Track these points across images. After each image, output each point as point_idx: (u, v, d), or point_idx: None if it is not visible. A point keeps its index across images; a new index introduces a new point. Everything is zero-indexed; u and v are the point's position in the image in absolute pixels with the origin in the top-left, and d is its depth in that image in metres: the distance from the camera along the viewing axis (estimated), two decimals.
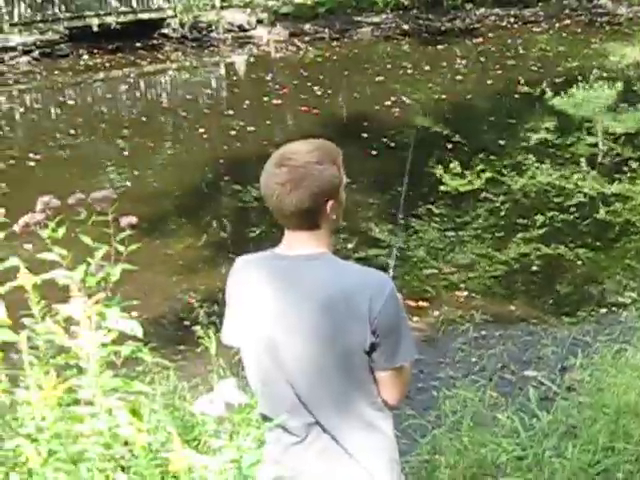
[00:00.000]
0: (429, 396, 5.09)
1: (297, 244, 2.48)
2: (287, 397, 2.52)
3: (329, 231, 2.52)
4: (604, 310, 6.77)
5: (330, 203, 2.44)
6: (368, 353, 2.51)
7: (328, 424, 2.55)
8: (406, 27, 18.22)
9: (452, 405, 4.42)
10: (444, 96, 13.62)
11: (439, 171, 10.00)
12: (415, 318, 6.47)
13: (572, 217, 8.94)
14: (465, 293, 7.18)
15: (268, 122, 12.77)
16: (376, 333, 2.48)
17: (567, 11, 19.73)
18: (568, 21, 19.25)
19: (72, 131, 12.37)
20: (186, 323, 6.10)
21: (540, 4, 19.66)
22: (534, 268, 7.79)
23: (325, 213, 2.45)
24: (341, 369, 2.53)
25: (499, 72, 15.14)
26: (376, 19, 18.47)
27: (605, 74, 14.91)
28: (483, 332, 6.27)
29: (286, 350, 2.51)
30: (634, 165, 10.35)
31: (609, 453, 3.89)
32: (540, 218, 8.82)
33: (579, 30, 18.66)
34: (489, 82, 14.51)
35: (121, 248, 3.08)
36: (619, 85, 14.31)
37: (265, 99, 13.77)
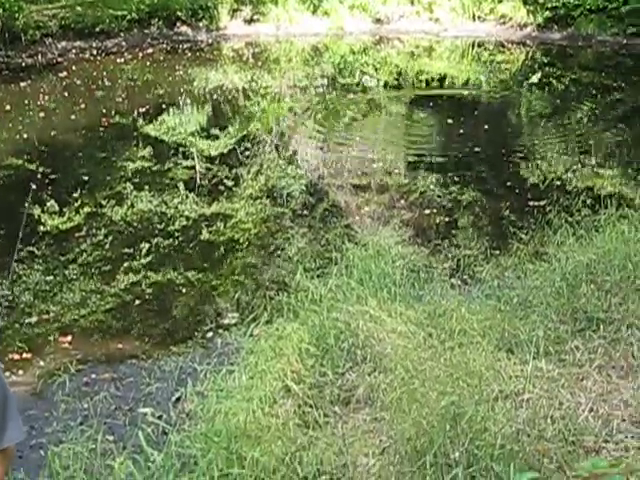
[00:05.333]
0: (41, 454, 4.72)
1: None
2: None
3: None
4: (211, 334, 6.81)
5: None
6: None
7: None
8: None
9: (63, 461, 4.10)
10: (31, 135, 12.99)
11: (36, 211, 9.53)
12: (20, 372, 6.05)
13: (177, 241, 8.96)
14: (70, 338, 6.82)
15: None
16: None
17: (149, 40, 19.89)
18: (151, 50, 19.39)
19: None
20: None
21: (122, 34, 19.65)
22: (146, 297, 7.66)
23: None
24: None
25: (87, 105, 14.83)
26: None
27: (193, 99, 15.28)
28: (93, 375, 6.01)
29: None
30: (230, 184, 10.65)
31: None
32: (146, 246, 8.74)
33: (162, 58, 18.90)
34: (77, 116, 14.11)
35: None
36: (208, 108, 14.75)
37: None
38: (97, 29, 19.31)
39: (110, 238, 9.02)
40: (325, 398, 4.87)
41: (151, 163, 11.54)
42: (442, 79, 17.18)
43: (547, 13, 19.43)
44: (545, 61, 18.37)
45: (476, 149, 11.99)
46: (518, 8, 19.75)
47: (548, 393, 4.70)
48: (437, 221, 9.30)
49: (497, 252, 7.89)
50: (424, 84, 16.85)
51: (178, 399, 5.31)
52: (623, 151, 11.77)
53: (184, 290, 7.79)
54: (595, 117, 13.50)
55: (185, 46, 19.81)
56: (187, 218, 9.57)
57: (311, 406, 4.72)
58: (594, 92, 15.38)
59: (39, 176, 10.79)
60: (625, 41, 18.37)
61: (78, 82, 16.63)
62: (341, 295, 5.90)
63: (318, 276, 6.59)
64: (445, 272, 7.23)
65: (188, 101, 15.06)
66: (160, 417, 4.81)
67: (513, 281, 6.72)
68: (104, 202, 9.96)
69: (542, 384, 4.79)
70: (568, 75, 17.12)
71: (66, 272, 8.18)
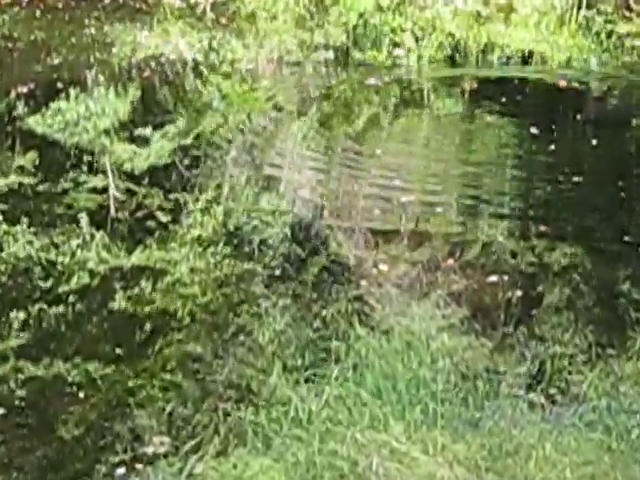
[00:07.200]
0: None
1: None
2: None
3: None
4: (123, 470, 6.76)
5: None
6: None
7: None
8: None
9: None
10: None
11: None
12: None
13: (73, 310, 9.01)
14: None
15: None
16: None
17: None
18: None
19: None
20: None
21: None
22: (16, 402, 7.69)
23: None
24: None
25: None
26: None
27: (109, 76, 15.41)
28: None
29: None
30: (165, 219, 10.74)
31: None
32: (20, 315, 8.77)
33: (63, 5, 19.13)
34: None
35: None
36: (134, 93, 14.89)
37: None
38: None
39: None
40: None
41: (35, 179, 11.63)
42: (526, 58, 17.38)
43: None
44: None
45: (576, 179, 12.10)
46: None
47: None
48: (508, 295, 9.35)
49: (608, 352, 7.94)
50: (495, 65, 17.03)
51: None
52: None
53: (81, 394, 7.81)
54: None
55: None
56: (91, 273, 9.62)
57: None
58: None
59: None
60: None
61: None
62: (344, 414, 5.93)
63: (307, 380, 6.63)
64: (519, 382, 7.27)
65: (101, 79, 15.18)
66: None
67: (633, 401, 6.75)
68: None
69: None
70: None
71: None
